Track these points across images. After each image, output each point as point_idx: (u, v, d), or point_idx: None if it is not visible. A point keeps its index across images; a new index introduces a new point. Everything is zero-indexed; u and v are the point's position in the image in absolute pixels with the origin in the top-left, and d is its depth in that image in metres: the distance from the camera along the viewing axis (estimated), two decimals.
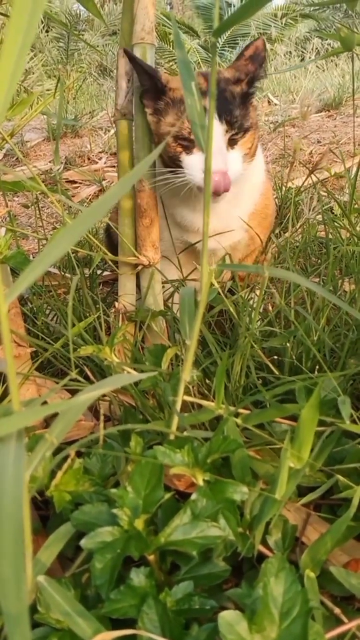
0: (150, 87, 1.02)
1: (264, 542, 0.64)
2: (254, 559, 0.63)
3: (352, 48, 0.90)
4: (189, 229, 1.14)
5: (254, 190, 1.18)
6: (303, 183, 1.70)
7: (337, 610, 0.59)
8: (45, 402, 0.79)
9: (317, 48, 6.45)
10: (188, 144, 1.02)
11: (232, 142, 1.02)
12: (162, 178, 1.04)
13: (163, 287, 1.11)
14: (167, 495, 0.62)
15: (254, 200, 1.18)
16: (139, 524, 0.59)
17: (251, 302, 1.05)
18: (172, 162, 1.04)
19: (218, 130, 0.99)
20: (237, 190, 1.06)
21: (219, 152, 0.97)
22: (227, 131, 1.00)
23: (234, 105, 1.00)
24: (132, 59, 0.99)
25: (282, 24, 9.36)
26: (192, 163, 1.02)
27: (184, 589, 0.56)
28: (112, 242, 1.31)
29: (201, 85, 1.01)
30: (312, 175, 1.63)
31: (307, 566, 0.61)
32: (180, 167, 1.02)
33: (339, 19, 8.42)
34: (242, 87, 1.04)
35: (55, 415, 0.58)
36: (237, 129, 1.01)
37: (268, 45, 7.14)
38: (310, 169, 1.57)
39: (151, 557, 0.59)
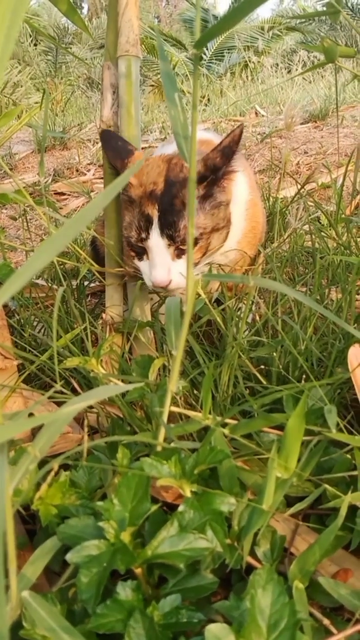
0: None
1: (252, 554, 0.63)
2: (243, 570, 0.63)
3: (335, 59, 0.90)
4: None
5: (239, 220, 1.14)
6: (294, 197, 1.70)
7: (326, 621, 0.58)
8: (31, 415, 0.78)
9: (303, 60, 6.50)
10: (139, 251, 1.01)
11: (177, 253, 0.99)
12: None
13: (151, 298, 1.11)
14: (154, 507, 0.61)
15: (240, 228, 1.15)
16: (126, 536, 0.58)
17: (239, 312, 1.05)
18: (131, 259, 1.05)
19: (159, 244, 0.97)
20: None
21: (161, 265, 0.97)
22: (169, 245, 0.98)
23: (181, 216, 0.97)
24: (106, 140, 1.02)
25: (268, 36, 9.46)
26: (144, 268, 1.02)
27: (171, 602, 0.55)
28: (98, 254, 1.31)
29: (156, 185, 0.99)
30: (298, 185, 1.64)
31: (296, 577, 0.60)
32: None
33: (325, 32, 8.52)
34: (200, 191, 0.99)
35: (42, 427, 0.57)
36: (179, 243, 0.98)
37: (255, 58, 7.21)
38: (301, 182, 1.58)
39: (138, 570, 0.58)
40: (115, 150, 1.01)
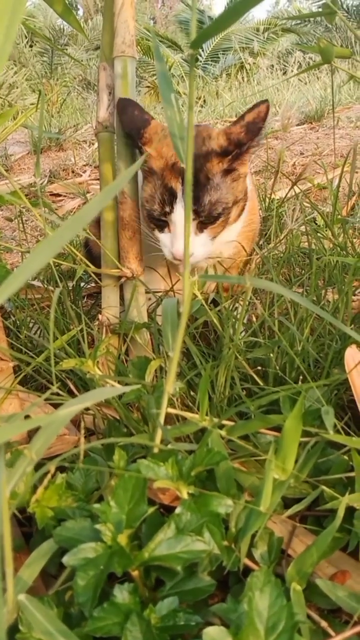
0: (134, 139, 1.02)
1: (249, 556, 0.63)
2: (240, 572, 0.62)
3: (331, 60, 0.90)
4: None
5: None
6: (286, 194, 1.71)
7: (324, 624, 0.58)
8: (28, 417, 0.78)
9: (299, 61, 6.52)
10: (160, 224, 1.02)
11: (200, 227, 1.00)
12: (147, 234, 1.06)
13: (149, 298, 1.11)
14: (151, 510, 0.61)
15: (242, 219, 1.16)
16: (123, 539, 0.58)
17: (235, 312, 1.05)
18: (151, 230, 1.06)
19: (183, 218, 0.97)
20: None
21: (183, 237, 0.97)
22: (194, 220, 0.99)
23: (205, 191, 0.97)
24: (122, 108, 1.00)
25: (264, 38, 9.48)
26: (164, 240, 1.03)
27: (168, 605, 0.55)
28: (91, 255, 1.31)
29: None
30: (296, 187, 1.64)
31: (294, 579, 0.60)
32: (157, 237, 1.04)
33: (320, 33, 8.54)
34: (224, 165, 0.99)
35: (38, 429, 0.57)
36: (204, 218, 0.99)
37: (250, 60, 7.22)
38: (294, 180, 1.59)
39: (135, 573, 0.58)
40: (132, 119, 1.00)
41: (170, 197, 0.98)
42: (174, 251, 0.98)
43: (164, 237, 1.03)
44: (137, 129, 1.00)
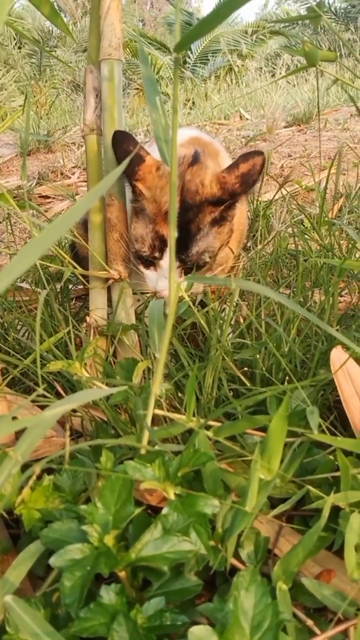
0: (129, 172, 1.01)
1: (236, 555, 0.63)
2: (227, 572, 0.63)
3: (316, 63, 0.91)
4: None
5: None
6: (274, 196, 1.71)
7: (309, 622, 0.58)
8: (15, 418, 0.78)
9: (287, 64, 6.55)
10: (147, 263, 1.03)
11: (186, 271, 1.01)
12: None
13: (138, 299, 1.11)
14: (138, 511, 0.61)
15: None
16: (109, 540, 0.58)
17: (222, 314, 1.05)
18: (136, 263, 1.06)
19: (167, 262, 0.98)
20: None
21: (168, 279, 0.97)
22: (178, 266, 1.00)
23: (195, 241, 0.98)
24: (117, 142, 0.99)
25: (252, 40, 9.51)
26: (149, 276, 1.04)
27: (155, 605, 0.55)
28: (78, 257, 1.31)
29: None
30: (283, 189, 1.65)
31: (280, 578, 0.60)
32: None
33: (309, 36, 8.58)
34: (215, 213, 0.99)
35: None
36: (190, 265, 1.00)
37: (239, 62, 7.24)
38: (281, 182, 1.60)
39: (122, 574, 0.58)
40: (127, 154, 0.99)
41: (160, 245, 0.99)
42: (159, 289, 1.00)
43: (149, 274, 1.04)
44: (131, 165, 1.00)
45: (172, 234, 0.57)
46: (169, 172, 1.00)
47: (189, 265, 1.00)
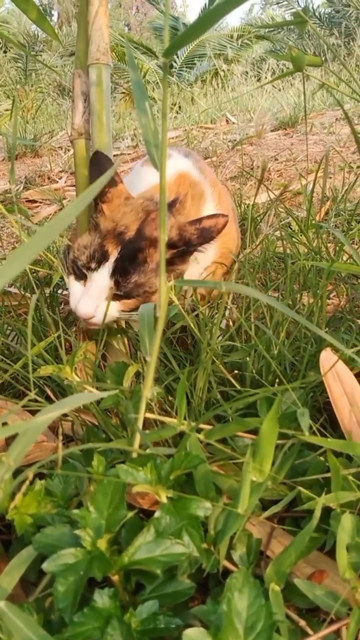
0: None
1: (228, 558, 0.64)
2: (220, 574, 0.63)
3: (302, 68, 0.92)
4: None
5: (209, 252, 1.09)
6: (274, 203, 1.72)
7: (302, 623, 0.59)
8: (5, 424, 0.78)
9: (272, 68, 6.59)
10: (79, 274, 0.99)
11: (115, 296, 0.97)
12: None
13: None
14: (131, 514, 0.61)
15: (210, 257, 1.14)
16: (102, 544, 0.58)
17: (212, 319, 1.06)
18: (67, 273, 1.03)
19: (103, 282, 0.96)
20: None
21: (93, 298, 0.95)
22: (111, 288, 0.97)
23: (137, 271, 0.96)
24: (95, 163, 1.00)
25: (238, 45, 9.55)
26: (74, 290, 1.00)
27: (148, 609, 0.55)
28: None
29: (127, 229, 0.98)
30: (270, 192, 1.66)
31: (272, 579, 0.61)
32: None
33: (294, 41, 8.63)
34: (165, 255, 0.97)
35: (16, 436, 0.57)
36: (122, 293, 0.97)
37: (225, 66, 7.27)
38: (272, 188, 1.60)
39: (115, 578, 0.58)
40: (100, 174, 0.98)
41: (100, 257, 0.96)
42: (79, 307, 0.95)
43: (75, 287, 1.00)
44: (109, 183, 1.00)
45: (162, 237, 0.57)
46: (135, 205, 1.00)
47: (121, 292, 0.97)
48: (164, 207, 0.57)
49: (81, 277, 0.99)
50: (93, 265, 0.96)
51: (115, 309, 0.97)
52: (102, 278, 0.96)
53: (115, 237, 0.97)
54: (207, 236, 0.97)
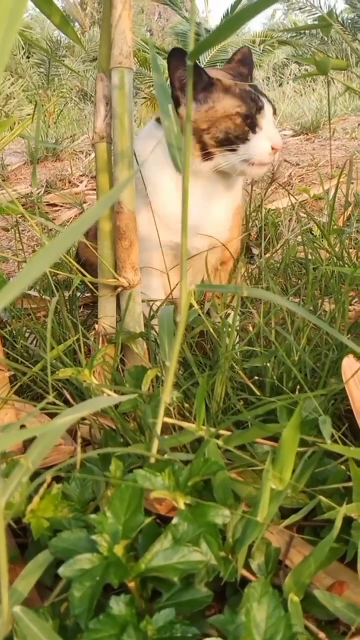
0: (196, 82, 1.08)
1: (246, 566, 0.63)
2: (237, 583, 0.62)
3: (327, 72, 0.91)
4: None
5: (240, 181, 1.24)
6: (295, 207, 1.71)
7: (321, 635, 0.58)
8: (23, 426, 0.78)
9: (294, 74, 6.57)
10: (252, 122, 1.08)
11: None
12: (220, 158, 1.11)
13: (151, 304, 1.11)
14: (148, 520, 0.60)
15: (240, 191, 1.24)
16: (119, 550, 0.58)
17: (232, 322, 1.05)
18: (235, 141, 1.09)
19: (269, 111, 1.10)
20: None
21: (274, 130, 1.10)
22: (274, 116, 1.11)
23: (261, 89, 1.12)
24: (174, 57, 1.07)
25: (260, 50, 9.53)
26: (257, 143, 1.09)
27: (165, 617, 0.54)
28: (82, 266, 1.31)
29: (239, 69, 1.16)
30: (292, 197, 1.64)
31: (291, 590, 0.60)
32: (243, 143, 1.09)
33: (316, 46, 8.59)
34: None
35: (34, 439, 0.57)
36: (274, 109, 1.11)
37: None
38: (293, 193, 1.59)
39: (131, 584, 0.58)
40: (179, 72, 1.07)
41: (256, 93, 1.09)
42: (274, 142, 1.08)
43: (256, 140, 1.09)
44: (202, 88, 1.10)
45: (184, 241, 0.56)
46: (219, 70, 1.20)
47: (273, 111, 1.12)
48: (186, 212, 0.56)
49: (253, 126, 1.09)
50: (260, 102, 1.09)
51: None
52: (267, 108, 1.10)
53: (241, 78, 1.14)
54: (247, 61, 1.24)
